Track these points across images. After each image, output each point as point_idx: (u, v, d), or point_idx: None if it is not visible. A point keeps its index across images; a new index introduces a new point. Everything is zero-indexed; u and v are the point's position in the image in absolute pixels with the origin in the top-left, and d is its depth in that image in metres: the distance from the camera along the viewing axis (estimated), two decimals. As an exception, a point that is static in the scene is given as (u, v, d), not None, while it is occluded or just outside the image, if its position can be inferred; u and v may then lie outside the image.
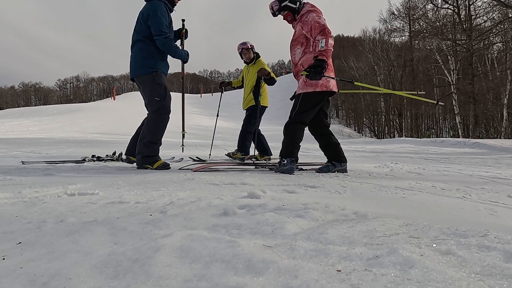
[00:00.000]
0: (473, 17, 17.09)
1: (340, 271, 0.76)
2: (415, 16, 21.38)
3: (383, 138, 23.20)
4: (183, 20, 3.65)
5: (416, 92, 4.11)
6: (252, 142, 4.56)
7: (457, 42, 17.26)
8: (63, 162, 3.64)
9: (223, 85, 4.79)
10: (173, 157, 4.35)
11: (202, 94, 49.59)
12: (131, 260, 0.83)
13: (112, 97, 34.91)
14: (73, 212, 1.37)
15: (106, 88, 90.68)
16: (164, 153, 4.41)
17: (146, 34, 3.16)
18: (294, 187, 2.11)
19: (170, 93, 3.38)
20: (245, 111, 4.64)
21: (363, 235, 1.01)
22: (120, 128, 15.63)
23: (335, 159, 3.14)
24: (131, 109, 22.39)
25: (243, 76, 4.79)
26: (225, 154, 4.84)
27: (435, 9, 19.42)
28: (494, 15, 15.78)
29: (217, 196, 1.71)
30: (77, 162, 3.70)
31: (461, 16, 17.61)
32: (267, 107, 4.54)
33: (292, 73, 3.42)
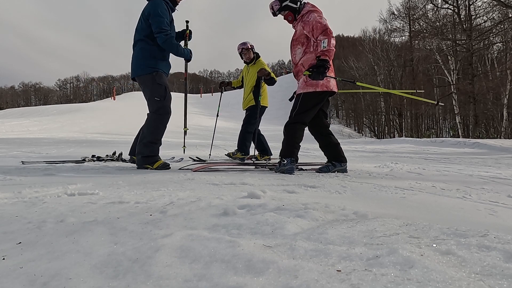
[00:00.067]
0: (473, 17, 17.10)
1: (340, 271, 0.76)
2: (415, 16, 21.39)
3: (383, 138, 23.20)
4: (187, 22, 3.65)
5: (415, 91, 4.12)
6: (252, 142, 4.56)
7: (457, 42, 17.27)
8: (63, 162, 3.64)
9: (223, 85, 4.79)
10: (173, 157, 4.35)
11: (202, 94, 49.64)
12: (131, 260, 0.83)
13: (112, 97, 34.91)
14: (73, 212, 1.37)
15: (106, 88, 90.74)
16: (164, 153, 4.41)
17: (147, 33, 3.16)
18: (294, 187, 2.11)
19: (171, 93, 3.38)
20: (245, 111, 4.64)
21: (363, 235, 1.01)
22: (120, 128, 15.66)
23: (335, 159, 3.14)
24: (131, 109, 22.41)
25: (243, 76, 4.79)
26: (225, 154, 4.83)
27: (435, 9, 19.44)
28: (494, 15, 15.81)
29: (217, 196, 1.71)
30: (77, 162, 3.70)
31: (461, 16, 17.62)
32: (267, 107, 4.54)
33: (292, 73, 3.42)
